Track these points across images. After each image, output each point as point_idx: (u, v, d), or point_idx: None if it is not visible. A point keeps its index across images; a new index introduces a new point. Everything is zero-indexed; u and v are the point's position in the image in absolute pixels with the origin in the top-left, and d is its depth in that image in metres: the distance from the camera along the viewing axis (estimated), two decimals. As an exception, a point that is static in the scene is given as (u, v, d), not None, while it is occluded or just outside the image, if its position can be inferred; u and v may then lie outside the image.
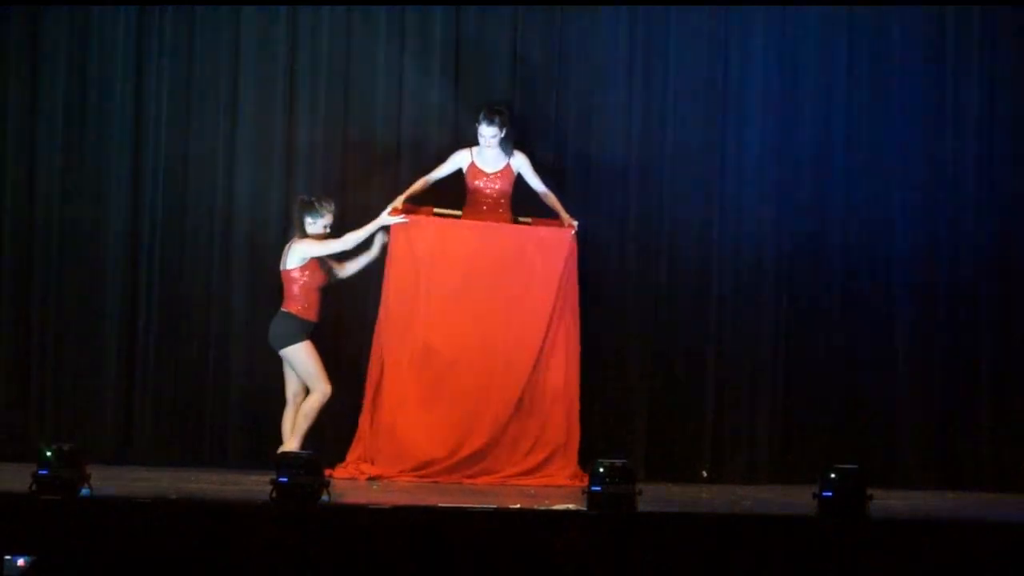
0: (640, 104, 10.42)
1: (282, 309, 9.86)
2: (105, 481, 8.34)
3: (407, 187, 10.03)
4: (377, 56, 10.48)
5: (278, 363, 10.01)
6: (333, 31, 10.50)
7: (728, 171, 10.35)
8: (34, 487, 7.84)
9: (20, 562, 7.05)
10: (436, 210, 10.00)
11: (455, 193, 10.04)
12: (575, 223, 9.83)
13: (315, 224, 9.87)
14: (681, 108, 10.40)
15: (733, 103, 10.38)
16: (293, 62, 10.48)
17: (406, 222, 9.78)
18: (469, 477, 9.64)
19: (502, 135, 9.92)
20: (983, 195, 10.30)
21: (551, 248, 9.79)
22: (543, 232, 9.91)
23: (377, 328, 9.88)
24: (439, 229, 9.85)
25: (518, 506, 8.10)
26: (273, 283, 10.17)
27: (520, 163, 10.00)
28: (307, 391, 9.84)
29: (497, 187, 9.96)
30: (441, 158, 10.12)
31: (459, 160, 10.03)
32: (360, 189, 10.36)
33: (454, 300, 9.74)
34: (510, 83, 10.46)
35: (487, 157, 10.00)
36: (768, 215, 10.33)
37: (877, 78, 10.36)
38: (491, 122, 9.90)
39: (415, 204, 9.95)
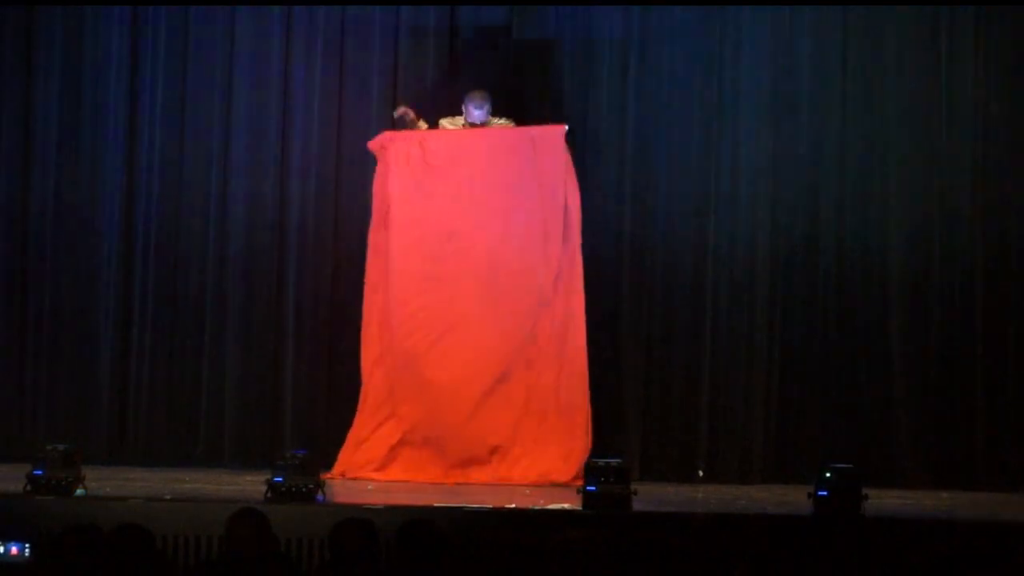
0: (634, 106, 10.40)
1: None
2: (100, 481, 8.35)
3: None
4: (372, 56, 10.47)
5: (272, 364, 10.00)
6: (328, 31, 10.49)
7: (723, 172, 10.33)
8: (29, 487, 7.84)
9: (14, 550, 7.04)
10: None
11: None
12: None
13: None
14: (675, 109, 10.38)
15: (728, 105, 10.36)
16: (288, 62, 10.47)
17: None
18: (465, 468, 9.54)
19: (489, 118, 9.86)
20: (978, 195, 10.29)
21: (545, 148, 9.61)
22: (533, 131, 9.72)
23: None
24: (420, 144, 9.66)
25: (513, 505, 8.10)
26: (267, 283, 10.21)
27: (503, 123, 9.91)
28: None
29: None
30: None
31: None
32: (356, 189, 10.36)
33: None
34: (503, 85, 10.44)
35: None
36: (763, 215, 10.31)
37: (871, 79, 10.35)
38: (479, 105, 9.80)
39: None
